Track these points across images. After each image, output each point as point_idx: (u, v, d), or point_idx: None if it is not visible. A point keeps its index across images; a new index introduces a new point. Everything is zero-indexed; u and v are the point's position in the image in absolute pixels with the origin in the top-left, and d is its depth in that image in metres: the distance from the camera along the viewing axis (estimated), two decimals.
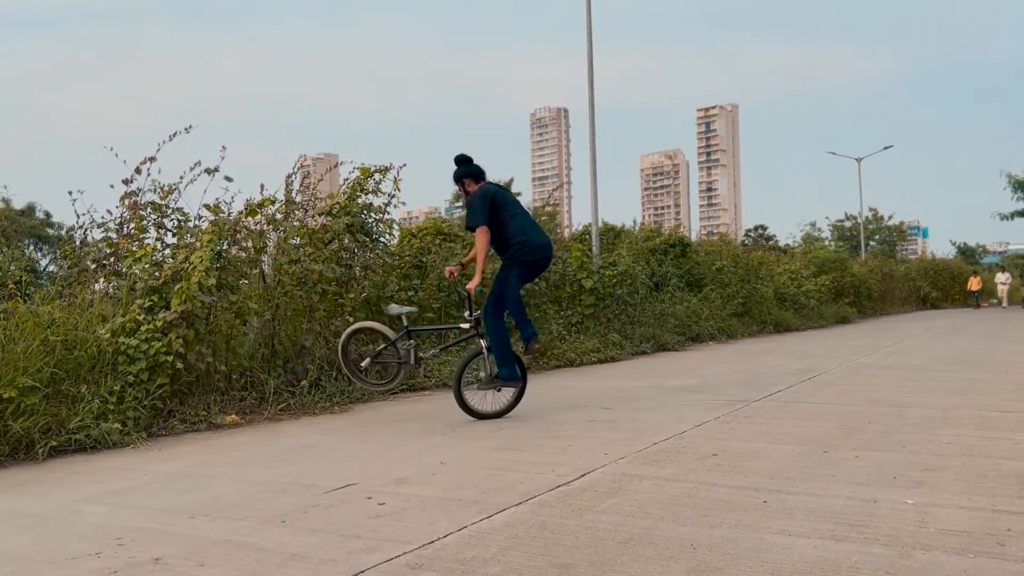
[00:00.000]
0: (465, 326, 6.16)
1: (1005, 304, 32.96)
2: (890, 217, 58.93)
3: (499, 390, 6.06)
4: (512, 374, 6.00)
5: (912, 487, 3.69)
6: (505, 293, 6.06)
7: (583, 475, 4.06)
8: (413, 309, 6.72)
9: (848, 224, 54.24)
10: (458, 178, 6.29)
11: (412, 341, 6.31)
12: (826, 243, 37.99)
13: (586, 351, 10.49)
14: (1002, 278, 33.95)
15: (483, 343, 6.00)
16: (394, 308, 6.42)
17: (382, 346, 6.35)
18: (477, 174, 6.28)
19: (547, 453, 4.66)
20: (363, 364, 6.45)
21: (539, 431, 5.41)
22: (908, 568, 2.64)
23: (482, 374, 6.02)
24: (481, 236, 5.98)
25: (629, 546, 2.92)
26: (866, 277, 25.56)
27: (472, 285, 5.95)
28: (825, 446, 4.68)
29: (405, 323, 6.36)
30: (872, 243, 53.78)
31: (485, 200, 6.05)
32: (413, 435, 5.44)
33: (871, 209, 58.37)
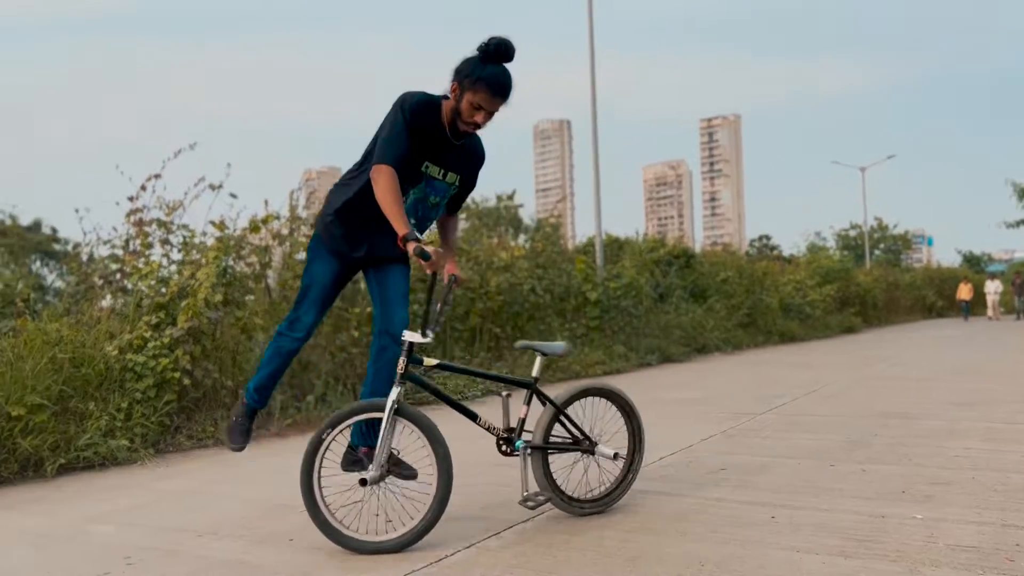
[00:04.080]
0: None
1: (992, 315, 30.26)
2: (895, 226, 58.88)
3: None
4: None
5: (920, 501, 3.68)
6: None
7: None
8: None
9: (853, 233, 54.18)
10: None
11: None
12: (831, 253, 37.94)
13: (591, 363, 10.48)
14: (991, 287, 31.37)
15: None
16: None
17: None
18: None
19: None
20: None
21: None
22: None
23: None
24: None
25: (637, 564, 2.91)
26: (871, 286, 25.51)
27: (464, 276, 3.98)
28: (832, 459, 4.67)
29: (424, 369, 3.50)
30: (877, 252, 53.74)
31: None
32: (418, 450, 5.42)
33: (876, 218, 58.41)
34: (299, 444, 5.84)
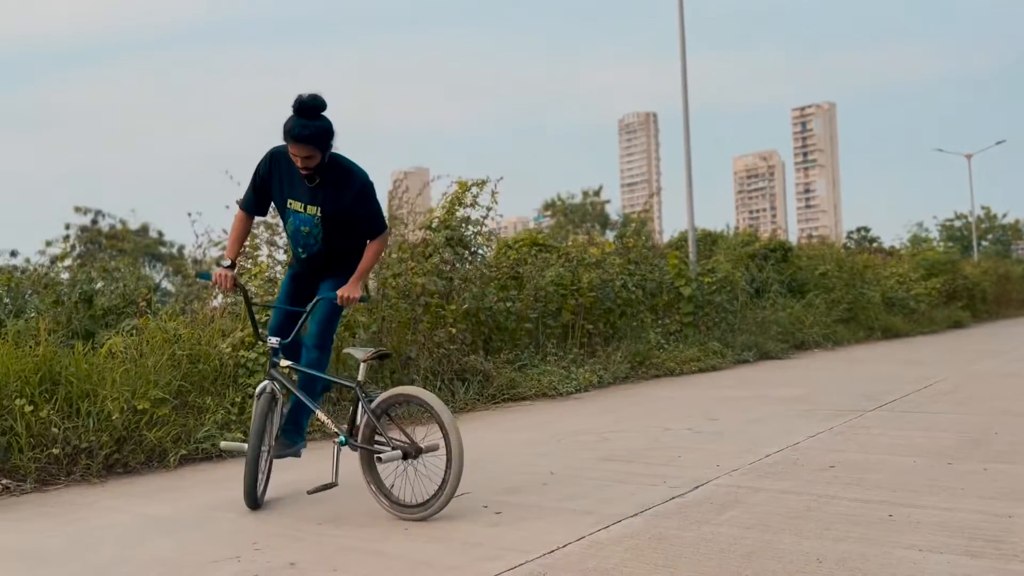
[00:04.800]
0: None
1: None
2: (1004, 215, 55.99)
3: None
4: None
5: None
6: (339, 319, 4.45)
7: (696, 487, 4.03)
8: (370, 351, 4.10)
9: (958, 224, 51.78)
10: (326, 139, 3.89)
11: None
12: (935, 244, 36.32)
13: (686, 360, 10.35)
14: None
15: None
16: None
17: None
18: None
19: (656, 464, 4.65)
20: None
21: (646, 442, 5.39)
22: None
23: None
24: (385, 243, 4.42)
25: (752, 559, 2.89)
26: (980, 279, 24.31)
27: (355, 294, 3.99)
28: (949, 458, 4.50)
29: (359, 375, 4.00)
30: (984, 243, 51.18)
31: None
32: (519, 445, 5.50)
33: (983, 208, 55.64)
34: None
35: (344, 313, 4.87)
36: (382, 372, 7.35)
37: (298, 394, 4.09)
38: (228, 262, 4.05)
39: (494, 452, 5.27)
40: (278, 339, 4.08)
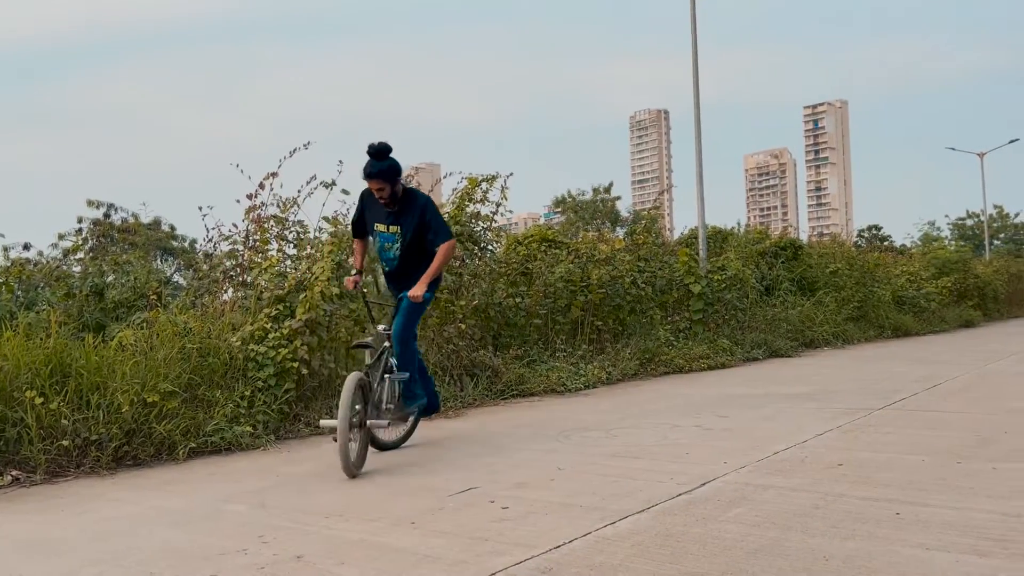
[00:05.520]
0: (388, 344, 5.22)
1: None
2: (1016, 215, 55.54)
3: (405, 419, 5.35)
4: (419, 403, 5.37)
5: None
6: (420, 316, 5.42)
7: (704, 484, 4.03)
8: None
9: (970, 223, 51.39)
10: (394, 175, 5.05)
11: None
12: (946, 243, 36.04)
13: (695, 357, 10.33)
14: None
15: (394, 362, 5.15)
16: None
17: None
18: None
19: (664, 461, 4.64)
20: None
21: (654, 439, 5.39)
22: None
23: (383, 406, 5.06)
24: (453, 249, 5.37)
25: (759, 556, 2.88)
26: (991, 278, 24.12)
27: (420, 292, 4.98)
28: (958, 457, 4.48)
29: (368, 359, 5.25)
30: (997, 242, 50.81)
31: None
32: (527, 440, 5.51)
33: (996, 207, 55.19)
34: (415, 433, 6.00)
35: (425, 309, 5.73)
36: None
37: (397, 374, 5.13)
38: (355, 271, 5.40)
39: (502, 447, 5.28)
40: (384, 327, 5.22)
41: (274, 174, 7.60)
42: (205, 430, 5.39)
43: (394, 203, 5.14)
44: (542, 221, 47.88)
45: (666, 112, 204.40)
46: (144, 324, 6.30)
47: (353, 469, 4.49)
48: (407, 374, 5.19)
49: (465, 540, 3.19)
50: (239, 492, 4.22)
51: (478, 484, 4.16)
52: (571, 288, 9.87)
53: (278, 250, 7.57)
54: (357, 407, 4.68)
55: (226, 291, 7.45)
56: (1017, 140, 38.52)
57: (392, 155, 5.07)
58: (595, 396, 7.89)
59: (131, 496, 4.24)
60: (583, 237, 11.36)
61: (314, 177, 7.61)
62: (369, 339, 5.32)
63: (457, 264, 8.45)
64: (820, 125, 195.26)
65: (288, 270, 7.03)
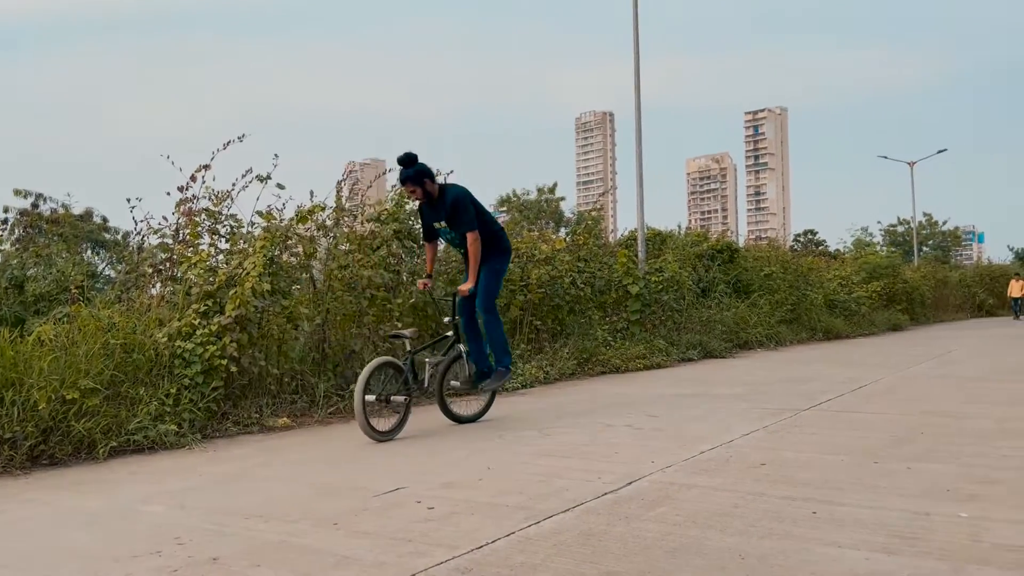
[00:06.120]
0: (450, 333, 6.22)
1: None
2: (944, 223, 57.63)
3: (480, 392, 6.30)
4: (509, 360, 6.25)
5: (966, 500, 3.63)
6: (498, 287, 6.31)
7: (630, 483, 4.07)
8: (415, 331, 6.41)
9: (901, 229, 53.16)
10: (420, 178, 5.89)
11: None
12: (878, 249, 37.19)
13: (632, 357, 10.45)
14: (1017, 287, 29.31)
15: (462, 347, 6.15)
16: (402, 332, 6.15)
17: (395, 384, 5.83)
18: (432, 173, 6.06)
19: (593, 460, 4.68)
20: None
21: (585, 438, 5.43)
22: None
23: (455, 382, 6.21)
24: (478, 241, 5.90)
25: (677, 555, 2.92)
26: (919, 283, 24.98)
27: (467, 287, 5.90)
28: (876, 457, 4.62)
29: (408, 347, 6.03)
30: (926, 249, 52.65)
31: (473, 202, 6.01)
32: (460, 440, 5.49)
33: (925, 214, 57.17)
34: (343, 432, 5.95)
35: (497, 281, 6.30)
36: (324, 365, 7.27)
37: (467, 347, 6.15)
38: (426, 275, 6.35)
39: (432, 447, 5.26)
40: (448, 318, 6.20)
41: (207, 166, 7.44)
42: (127, 428, 5.25)
43: (433, 202, 5.96)
44: None
45: (611, 114, 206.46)
46: (65, 319, 6.10)
47: (375, 433, 5.42)
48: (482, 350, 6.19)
49: (387, 541, 3.16)
50: (159, 492, 4.11)
51: (406, 484, 4.13)
52: (510, 288, 9.88)
53: (210, 244, 7.41)
54: (382, 384, 5.68)
55: (154, 285, 7.25)
56: (945, 150, 39.98)
57: (419, 161, 5.88)
58: (532, 395, 7.92)
59: (44, 496, 4.10)
60: (524, 237, 11.37)
61: (249, 170, 7.48)
62: (406, 332, 6.10)
63: (395, 262, 8.39)
64: (760, 131, 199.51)
65: (219, 265, 6.89)
